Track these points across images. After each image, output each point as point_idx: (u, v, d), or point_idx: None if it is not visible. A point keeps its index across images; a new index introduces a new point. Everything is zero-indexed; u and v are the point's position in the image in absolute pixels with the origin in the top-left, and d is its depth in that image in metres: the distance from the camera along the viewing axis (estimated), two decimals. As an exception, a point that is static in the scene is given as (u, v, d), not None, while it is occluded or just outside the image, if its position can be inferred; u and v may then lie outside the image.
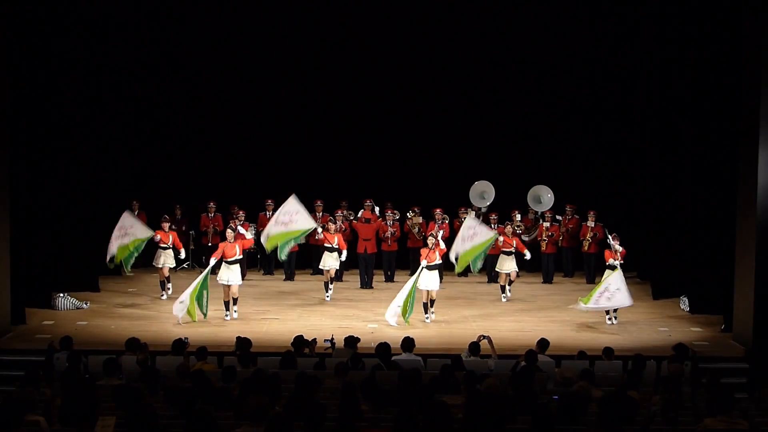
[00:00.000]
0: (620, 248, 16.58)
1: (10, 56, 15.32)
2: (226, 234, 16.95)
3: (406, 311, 15.59)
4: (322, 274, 18.72)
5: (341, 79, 20.91)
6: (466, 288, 19.20)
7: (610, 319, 16.18)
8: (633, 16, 19.40)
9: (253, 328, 15.41)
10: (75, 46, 17.78)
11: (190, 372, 10.58)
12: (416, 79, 20.90)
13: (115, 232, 16.98)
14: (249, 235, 17.45)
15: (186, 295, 15.68)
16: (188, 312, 15.67)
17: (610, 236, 16.74)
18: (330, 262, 18.08)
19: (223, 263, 16.49)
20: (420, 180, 21.11)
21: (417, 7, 20.67)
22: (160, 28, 20.48)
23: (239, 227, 17.57)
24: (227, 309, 16.33)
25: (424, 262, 16.22)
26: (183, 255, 18.54)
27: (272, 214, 19.99)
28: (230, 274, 16.36)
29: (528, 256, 18.28)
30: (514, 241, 18.27)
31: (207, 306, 15.83)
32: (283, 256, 17.27)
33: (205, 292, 15.81)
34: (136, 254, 17.31)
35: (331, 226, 18.32)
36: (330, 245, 18.11)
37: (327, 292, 17.99)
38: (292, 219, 16.67)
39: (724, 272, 15.74)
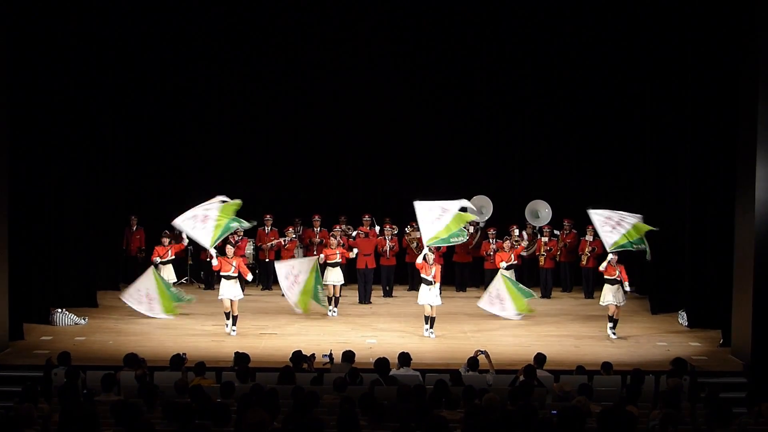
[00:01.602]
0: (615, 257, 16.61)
1: (8, 72, 15.34)
2: (226, 249, 16.98)
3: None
4: (322, 289, 18.71)
5: (339, 94, 20.94)
6: (464, 303, 19.17)
7: (613, 332, 16.18)
8: (631, 34, 19.47)
9: (251, 343, 15.39)
10: (72, 63, 17.80)
11: (188, 387, 10.57)
12: (414, 95, 20.95)
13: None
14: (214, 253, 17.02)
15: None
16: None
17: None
18: (332, 277, 18.06)
19: (222, 279, 16.52)
20: (418, 195, 21.09)
21: (414, 24, 20.74)
22: (157, 46, 20.52)
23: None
24: (228, 319, 16.32)
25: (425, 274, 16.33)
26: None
27: (271, 230, 20.07)
28: (229, 290, 16.36)
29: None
30: (512, 254, 18.28)
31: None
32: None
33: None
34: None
35: (332, 241, 18.32)
36: (333, 261, 18.10)
37: (330, 306, 17.95)
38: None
39: (723, 287, 15.75)
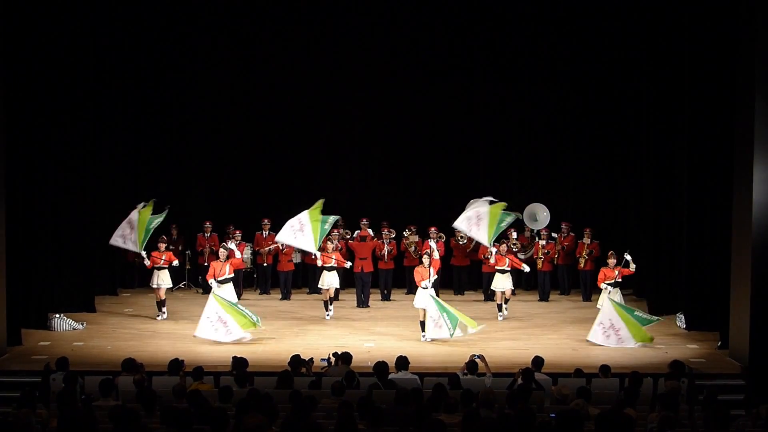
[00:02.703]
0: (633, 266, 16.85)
1: (7, 71, 15.33)
2: (219, 253, 17.02)
3: (465, 323, 15.79)
4: (319, 293, 18.70)
5: (336, 99, 20.96)
6: (462, 307, 19.11)
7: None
8: (629, 34, 19.50)
9: (249, 347, 15.38)
10: (71, 62, 17.79)
11: (186, 392, 10.57)
12: (411, 100, 20.96)
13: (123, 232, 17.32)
14: (239, 254, 17.22)
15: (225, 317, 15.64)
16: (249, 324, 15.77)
17: (621, 256, 16.86)
18: (329, 280, 18.07)
19: (215, 282, 16.54)
20: (417, 197, 21.15)
21: (413, 25, 20.77)
22: (157, 48, 20.53)
23: (230, 244, 17.64)
24: None
25: (424, 283, 16.28)
26: (177, 263, 18.39)
27: (269, 234, 20.09)
28: (221, 294, 16.33)
29: (527, 269, 18.41)
30: (507, 259, 18.24)
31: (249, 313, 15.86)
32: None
33: (234, 308, 15.84)
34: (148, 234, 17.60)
35: (329, 245, 18.32)
36: (329, 265, 18.10)
37: (327, 311, 17.96)
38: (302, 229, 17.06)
39: (720, 289, 15.74)
